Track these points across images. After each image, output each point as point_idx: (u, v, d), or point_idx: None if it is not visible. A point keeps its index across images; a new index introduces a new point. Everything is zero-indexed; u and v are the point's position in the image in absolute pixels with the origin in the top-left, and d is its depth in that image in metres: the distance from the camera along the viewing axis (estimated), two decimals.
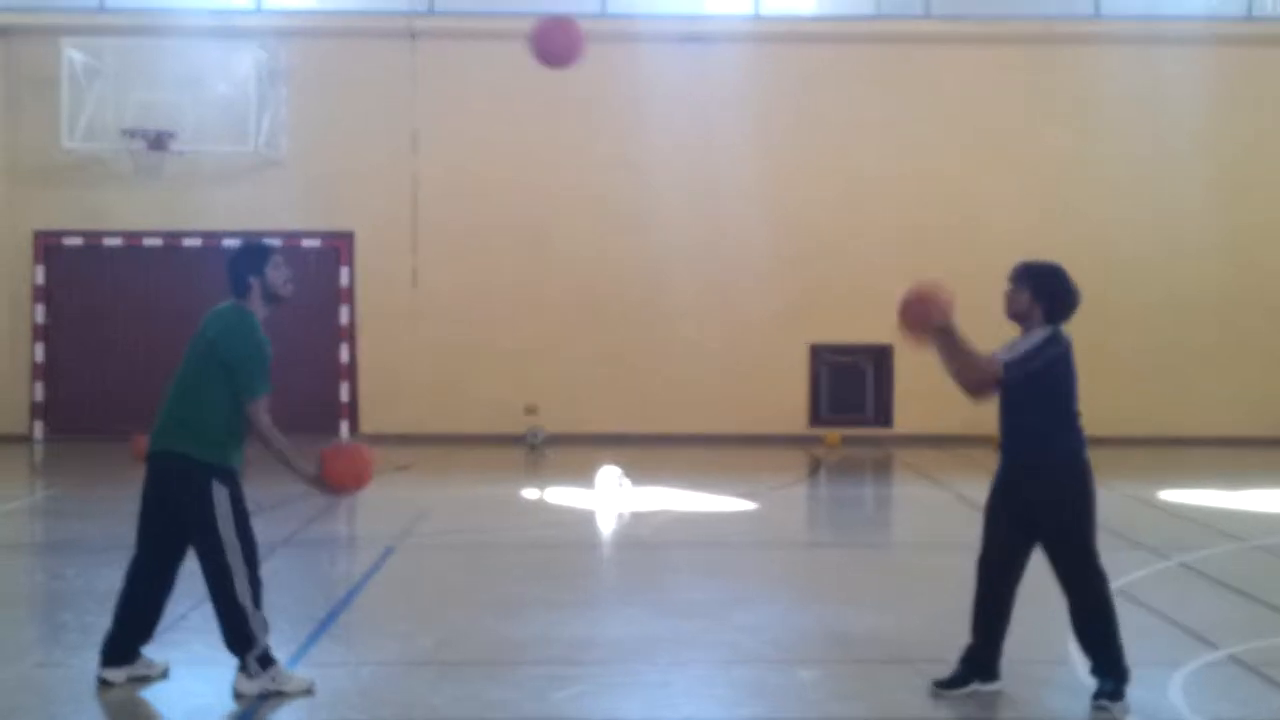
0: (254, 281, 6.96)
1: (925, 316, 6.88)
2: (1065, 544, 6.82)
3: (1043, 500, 6.78)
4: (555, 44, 7.23)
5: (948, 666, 7.06)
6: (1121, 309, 20.54)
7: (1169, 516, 13.36)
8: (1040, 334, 6.84)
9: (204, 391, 6.83)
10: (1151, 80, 20.83)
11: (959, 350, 6.77)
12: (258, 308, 6.97)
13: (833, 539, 13.13)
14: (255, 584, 6.86)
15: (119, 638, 7.10)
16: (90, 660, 7.50)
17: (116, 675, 7.06)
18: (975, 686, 6.94)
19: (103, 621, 8.40)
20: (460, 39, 20.80)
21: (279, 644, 7.86)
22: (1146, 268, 20.68)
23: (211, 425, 6.80)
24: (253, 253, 7.09)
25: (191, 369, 6.94)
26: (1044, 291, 6.88)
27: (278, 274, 6.98)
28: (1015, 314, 6.96)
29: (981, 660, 6.97)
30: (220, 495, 6.78)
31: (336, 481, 6.95)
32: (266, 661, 6.83)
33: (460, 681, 7.19)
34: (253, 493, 14.06)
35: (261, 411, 6.78)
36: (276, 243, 7.24)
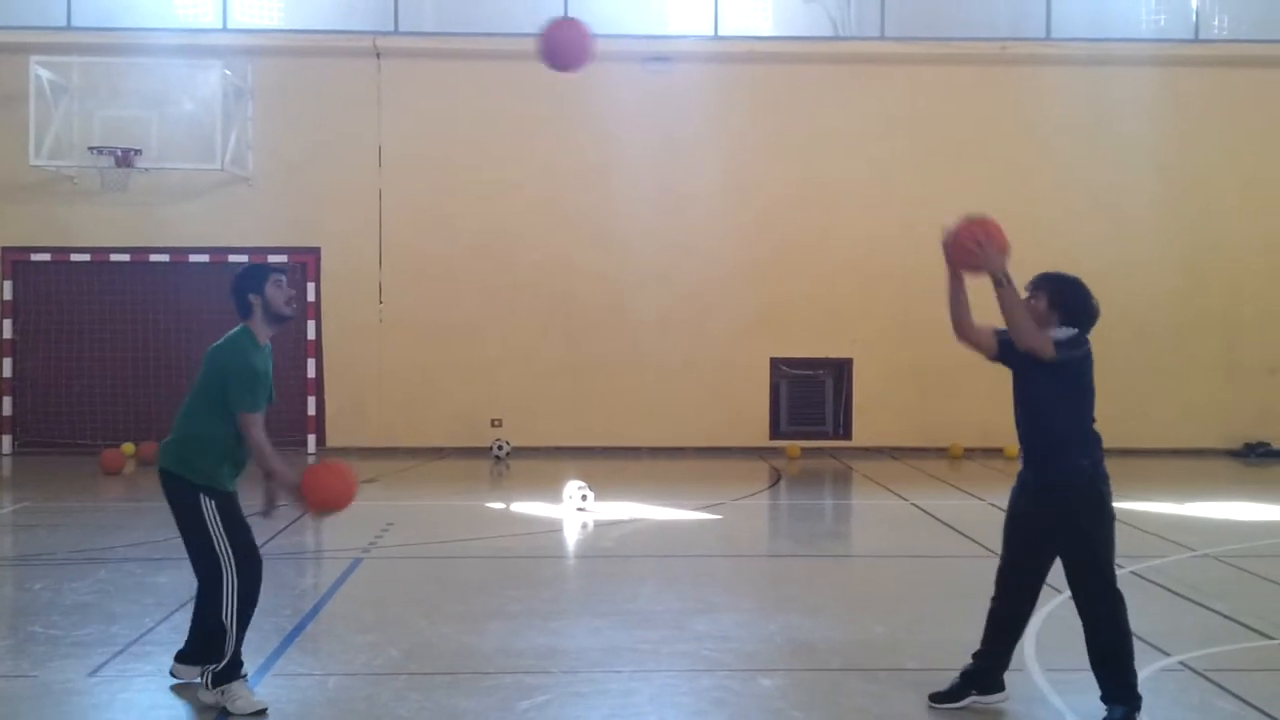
0: (255, 300, 7.05)
1: (973, 259, 6.66)
2: (1086, 565, 6.72)
3: (1061, 516, 6.69)
4: (565, 46, 7.18)
5: (907, 675, 7.18)
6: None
7: (1122, 526, 13.39)
8: (1070, 330, 6.71)
9: (198, 414, 6.97)
10: (1102, 101, 21.13)
11: (1017, 300, 6.61)
12: (260, 328, 7.08)
13: (794, 549, 13.23)
14: (247, 604, 6.93)
15: (193, 639, 7.32)
16: (58, 671, 7.60)
17: (187, 673, 7.30)
18: (973, 699, 6.94)
19: (72, 634, 8.53)
20: (425, 58, 20.91)
21: (245, 655, 7.96)
22: (1098, 285, 20.29)
23: (203, 450, 6.94)
24: (252, 272, 7.18)
25: (194, 390, 7.10)
26: (1061, 299, 6.76)
27: (278, 292, 7.07)
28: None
29: (984, 671, 6.95)
30: (209, 507, 6.91)
31: (317, 501, 7.00)
32: (221, 679, 6.88)
33: (426, 691, 7.26)
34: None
35: (251, 424, 6.87)
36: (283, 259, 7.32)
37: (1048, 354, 6.59)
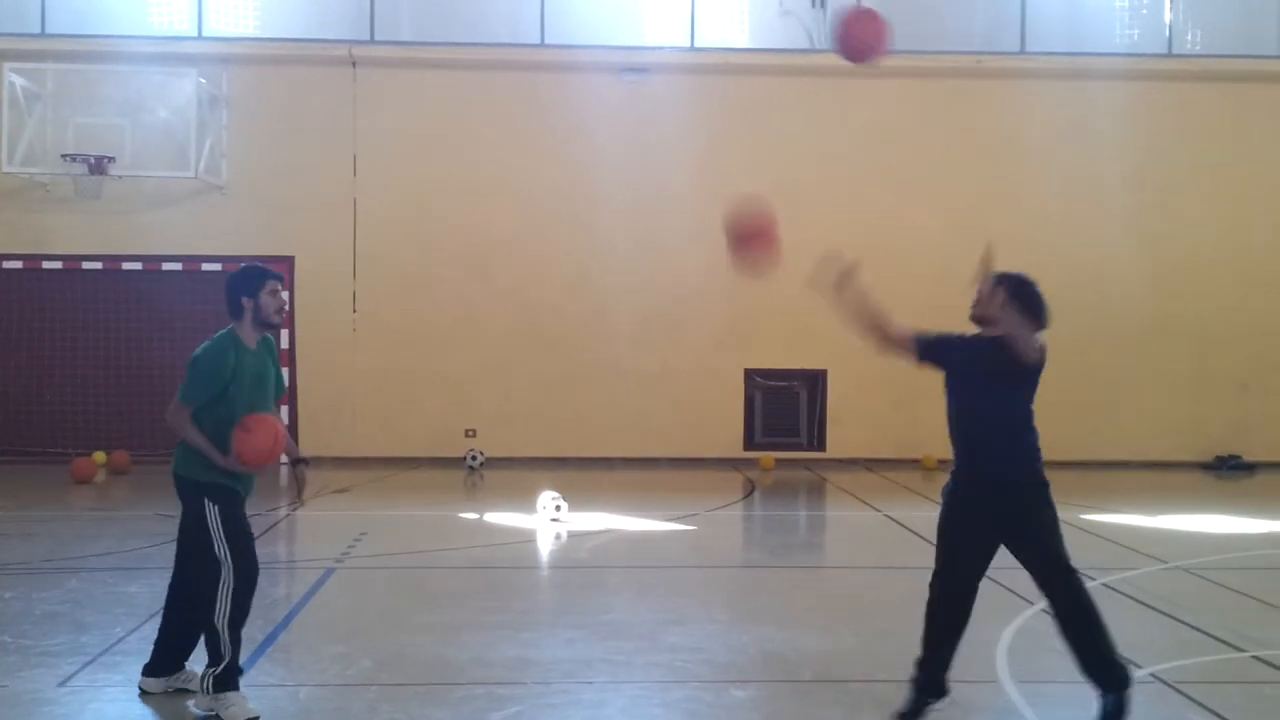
0: (247, 303, 7.06)
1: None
2: (1043, 555, 6.76)
3: (1017, 514, 6.75)
4: (861, 36, 7.04)
5: (879, 687, 7.19)
6: (1049, 337, 20.85)
7: (1092, 538, 13.58)
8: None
9: (196, 414, 6.98)
10: (1076, 114, 21.25)
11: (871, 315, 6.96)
12: (247, 332, 7.07)
13: (767, 561, 13.25)
14: (240, 609, 6.95)
15: (158, 651, 7.33)
16: (28, 681, 7.57)
17: (155, 685, 7.30)
18: (931, 706, 6.93)
19: (42, 643, 8.49)
20: (401, 67, 20.91)
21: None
22: (1072, 297, 20.81)
23: (201, 451, 6.98)
24: (249, 275, 7.16)
25: None
26: (1020, 295, 6.84)
27: (272, 300, 7.08)
28: (985, 315, 6.87)
29: (931, 676, 6.93)
30: (212, 510, 6.91)
31: (248, 459, 6.92)
32: (221, 684, 6.89)
33: (398, 702, 7.26)
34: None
35: (176, 411, 6.95)
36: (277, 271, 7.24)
37: (1033, 359, 6.71)
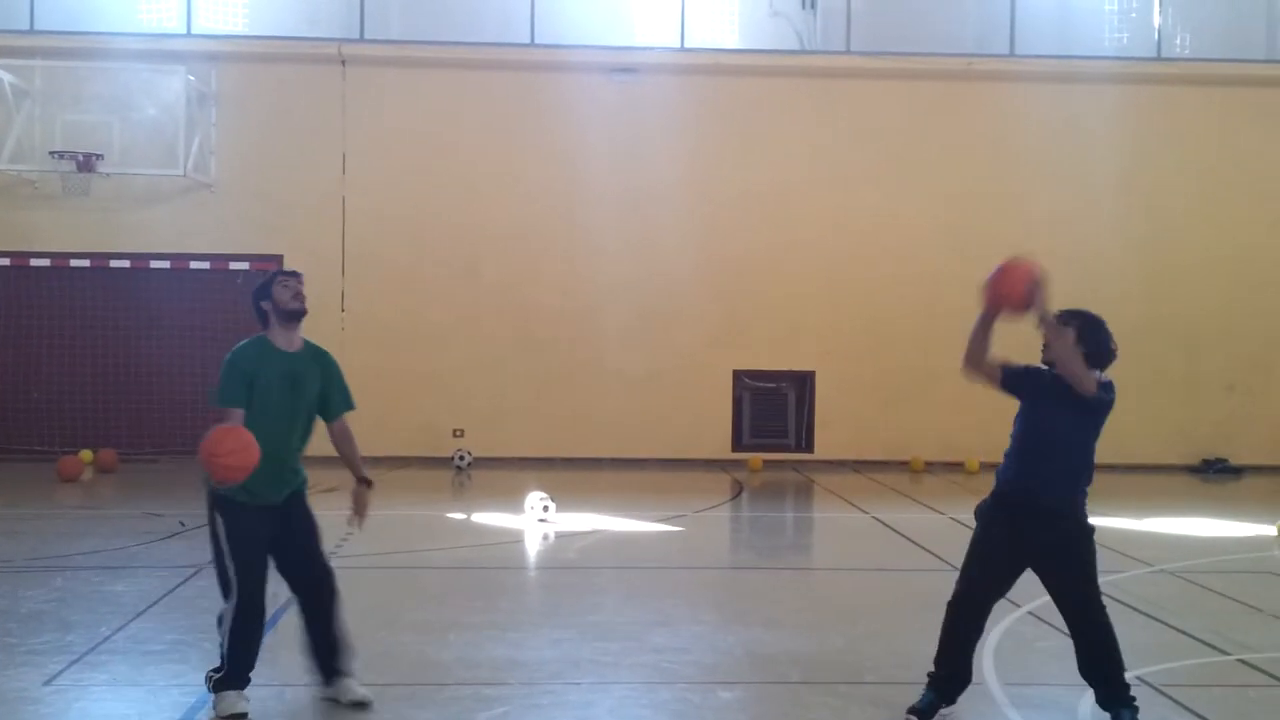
0: (266, 306, 7.02)
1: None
2: (1081, 585, 6.84)
3: (1062, 543, 6.81)
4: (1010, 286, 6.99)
5: (866, 688, 7.19)
6: (1036, 339, 20.89)
7: None
8: (1099, 374, 6.82)
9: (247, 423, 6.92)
10: (1066, 117, 21.30)
11: (1069, 337, 6.89)
12: (278, 333, 7.02)
13: (755, 562, 13.25)
14: (241, 628, 6.84)
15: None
16: (13, 680, 7.54)
17: (323, 693, 7.30)
18: (941, 712, 6.99)
19: (28, 642, 8.46)
20: (391, 66, 20.90)
21: (203, 665, 7.92)
22: (1063, 300, 20.95)
23: None
24: (261, 283, 7.13)
25: None
26: (1089, 335, 6.89)
27: (284, 290, 7.01)
28: (1052, 358, 6.93)
29: (953, 687, 6.99)
30: (219, 525, 6.88)
31: (221, 474, 6.74)
32: (219, 685, 6.88)
33: (385, 703, 7.23)
34: (180, 513, 14.00)
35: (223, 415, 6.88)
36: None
37: (1090, 391, 6.72)
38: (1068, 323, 6.94)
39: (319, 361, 7.17)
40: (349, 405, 7.34)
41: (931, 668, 7.07)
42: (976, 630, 6.98)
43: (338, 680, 7.22)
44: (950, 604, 7.03)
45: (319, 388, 7.12)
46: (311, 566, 7.21)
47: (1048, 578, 6.91)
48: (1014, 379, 7.07)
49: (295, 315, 7.02)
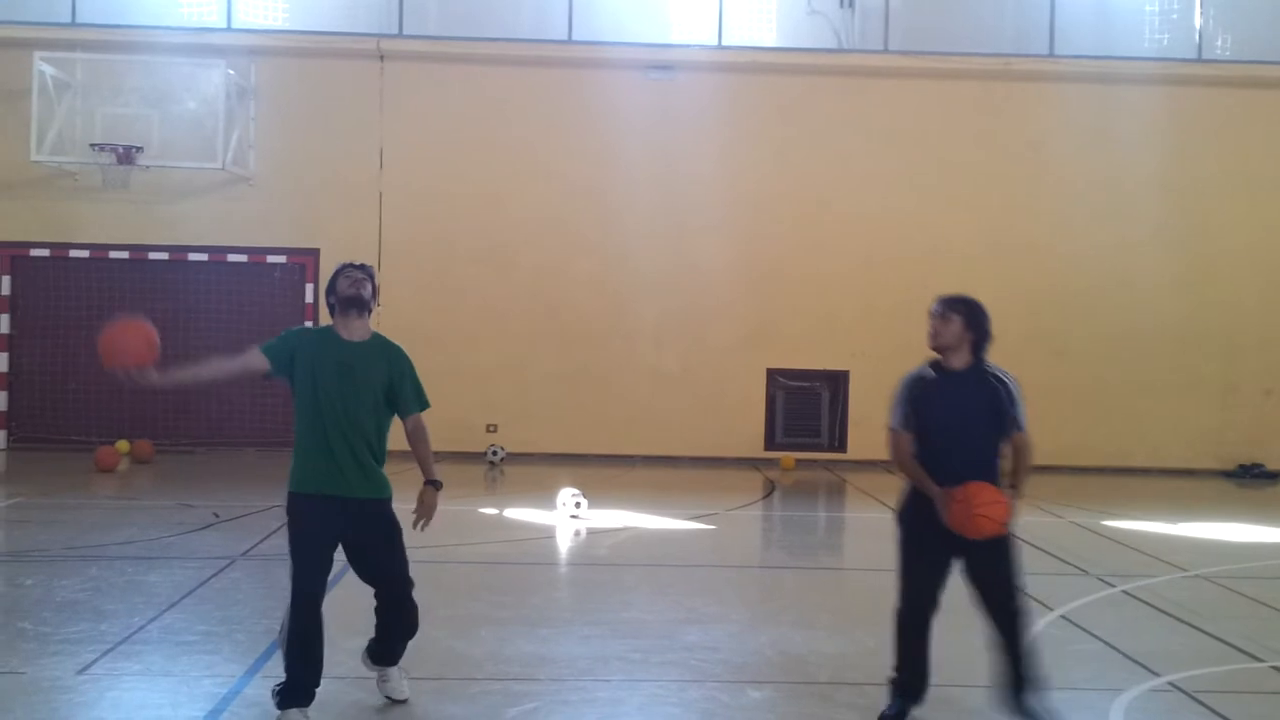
0: (332, 301, 7.08)
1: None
2: (1012, 575, 6.87)
3: (990, 546, 6.80)
4: None
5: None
6: (1074, 342, 20.88)
7: (1114, 545, 13.55)
8: (1013, 380, 6.90)
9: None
10: (1105, 118, 21.13)
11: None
12: (340, 322, 7.03)
13: (786, 561, 13.24)
14: (295, 630, 6.73)
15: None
16: (47, 668, 7.61)
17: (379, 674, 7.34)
18: (912, 715, 7.03)
19: (62, 631, 8.53)
20: (429, 61, 20.92)
21: (235, 656, 7.99)
22: (1099, 301, 20.96)
23: (294, 451, 6.96)
24: (328, 283, 7.18)
25: None
26: (974, 323, 6.91)
27: (344, 281, 7.05)
28: (945, 344, 6.92)
29: (919, 689, 7.03)
30: (288, 522, 6.93)
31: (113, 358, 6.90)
32: (282, 701, 6.75)
33: (415, 696, 7.26)
34: (215, 505, 14.10)
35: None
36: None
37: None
38: (954, 310, 6.93)
39: (386, 355, 7.12)
40: (422, 404, 7.27)
41: (892, 673, 7.08)
42: (929, 632, 6.97)
43: (386, 668, 7.24)
44: (898, 613, 7.03)
45: (385, 381, 7.04)
46: (385, 583, 7.16)
47: (979, 573, 6.88)
48: (920, 419, 6.96)
49: (350, 303, 7.01)
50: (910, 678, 7.02)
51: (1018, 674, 6.85)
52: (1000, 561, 6.84)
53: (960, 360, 6.93)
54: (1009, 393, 6.85)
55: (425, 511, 7.22)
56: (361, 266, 7.17)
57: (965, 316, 6.91)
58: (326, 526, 6.80)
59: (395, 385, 7.08)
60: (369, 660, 7.32)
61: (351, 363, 6.92)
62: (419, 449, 7.28)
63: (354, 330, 7.03)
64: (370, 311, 7.14)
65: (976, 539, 6.64)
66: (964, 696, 7.48)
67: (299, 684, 6.73)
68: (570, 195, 20.92)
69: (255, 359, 6.89)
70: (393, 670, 7.26)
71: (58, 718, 6.94)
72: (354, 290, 7.02)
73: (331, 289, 7.10)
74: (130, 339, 7.18)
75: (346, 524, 6.86)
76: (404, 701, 7.19)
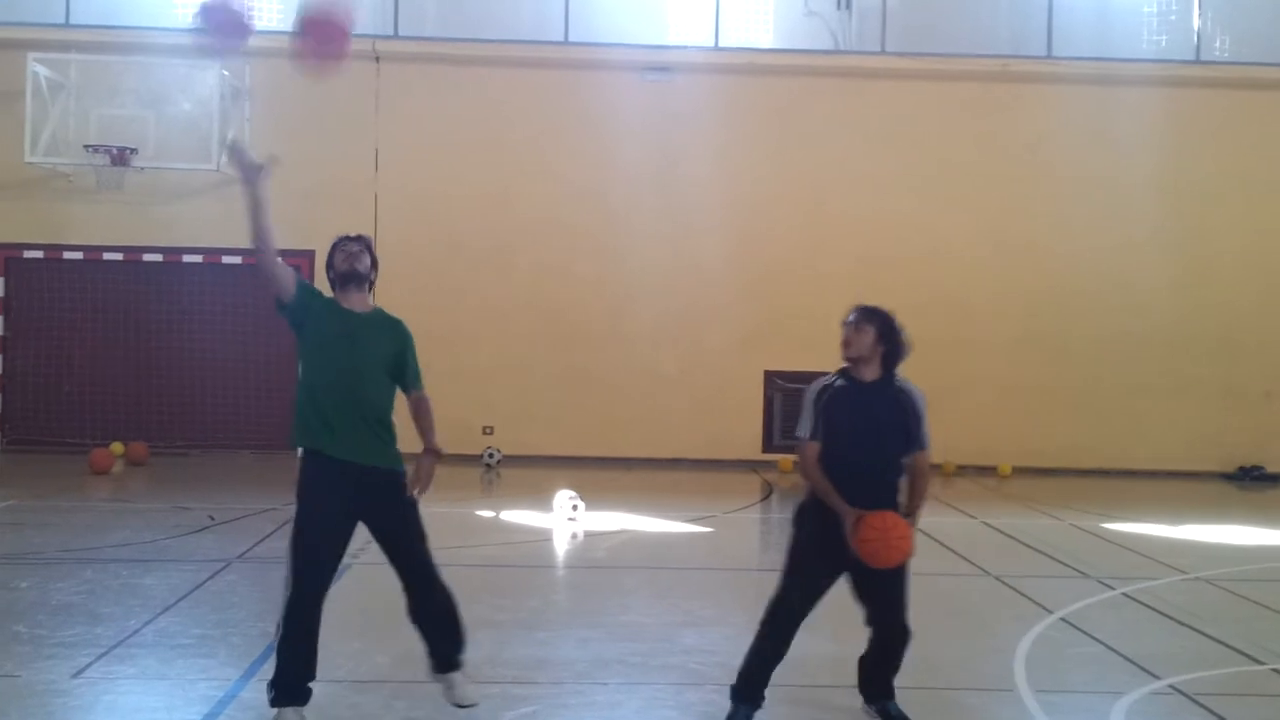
0: (331, 276, 7.05)
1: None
2: (903, 595, 6.90)
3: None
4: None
5: (896, 692, 7.14)
6: (1073, 343, 20.85)
7: (1114, 547, 13.52)
8: (921, 396, 6.94)
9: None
10: (1103, 120, 21.09)
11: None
12: (339, 294, 6.99)
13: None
14: (289, 619, 6.67)
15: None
16: (41, 672, 7.56)
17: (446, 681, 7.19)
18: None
19: (57, 634, 8.47)
20: (425, 63, 20.87)
21: (231, 659, 7.94)
22: (1098, 303, 20.92)
23: (298, 405, 6.88)
24: (327, 258, 7.13)
25: None
26: (888, 335, 6.89)
27: (339, 256, 7.01)
28: (857, 355, 6.87)
29: (758, 694, 6.99)
30: (300, 468, 6.82)
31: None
32: (276, 699, 6.70)
33: (412, 700, 7.24)
34: (210, 507, 14.05)
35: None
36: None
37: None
38: (869, 320, 6.90)
39: (392, 329, 7.11)
40: (418, 385, 7.25)
41: (736, 681, 7.02)
42: (790, 640, 6.95)
43: (447, 673, 7.12)
44: (771, 611, 6.98)
45: (392, 350, 7.03)
46: (415, 566, 7.11)
47: (872, 589, 6.88)
48: (828, 428, 6.90)
49: (347, 277, 6.97)
50: (761, 683, 6.97)
51: (889, 684, 7.00)
52: (896, 580, 6.83)
53: (871, 372, 6.89)
54: (915, 408, 6.85)
55: (424, 478, 7.09)
56: (358, 238, 7.13)
57: (879, 328, 6.87)
58: (338, 494, 6.72)
59: (400, 358, 7.08)
60: (431, 671, 7.14)
61: (353, 334, 6.88)
62: (422, 421, 7.23)
63: (354, 303, 6.99)
64: (371, 284, 7.09)
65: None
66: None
67: (290, 681, 6.69)
68: (567, 197, 20.87)
69: (288, 277, 6.88)
70: (455, 676, 7.11)
71: None
72: (349, 265, 6.99)
73: (330, 264, 7.05)
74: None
75: (366, 498, 6.80)
76: (472, 706, 7.05)
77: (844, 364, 6.93)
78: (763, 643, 6.95)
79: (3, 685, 7.39)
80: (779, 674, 8.05)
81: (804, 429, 6.90)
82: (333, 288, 7.04)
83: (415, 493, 7.02)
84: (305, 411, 6.78)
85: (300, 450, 6.83)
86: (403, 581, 7.05)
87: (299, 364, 6.92)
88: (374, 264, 7.12)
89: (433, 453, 7.15)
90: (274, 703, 6.67)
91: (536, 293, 20.88)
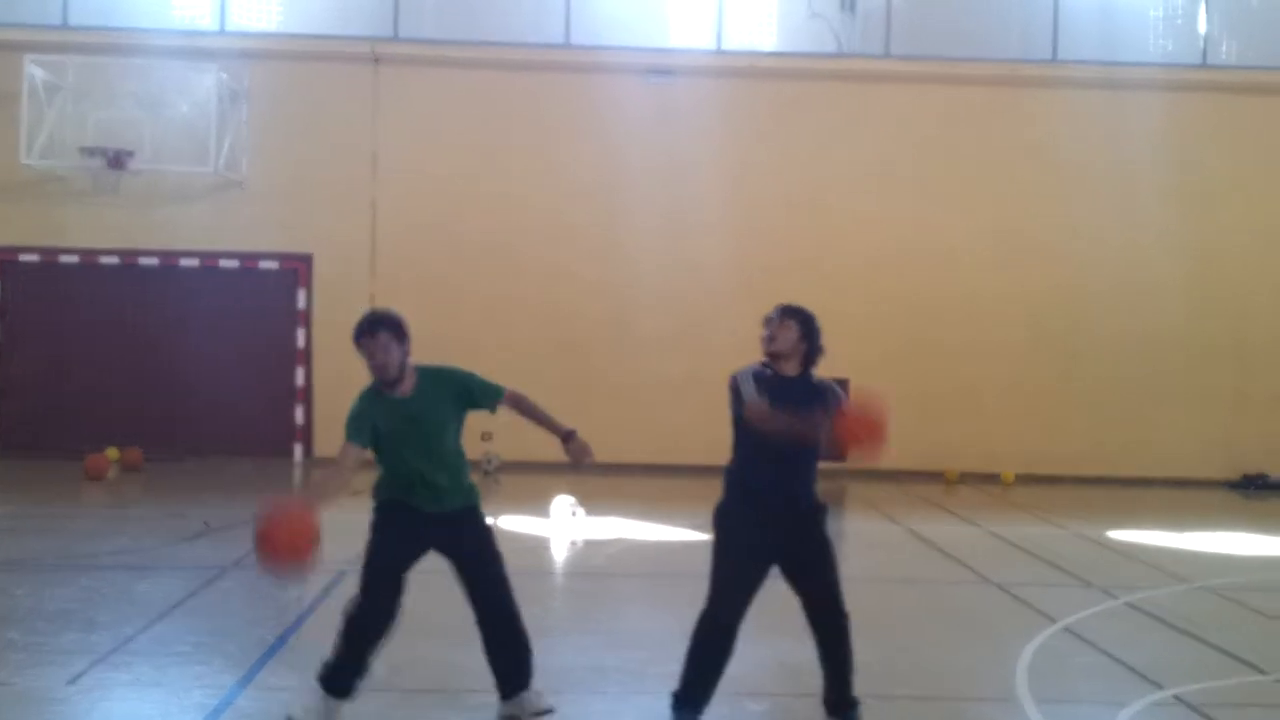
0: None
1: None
2: (835, 578, 7.01)
3: (820, 542, 7.01)
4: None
5: (897, 702, 7.12)
6: (1082, 349, 20.78)
7: (1118, 556, 13.46)
8: (837, 388, 7.09)
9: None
10: (1110, 124, 21.02)
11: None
12: (383, 387, 7.04)
13: None
14: (349, 633, 6.84)
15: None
16: (37, 679, 7.51)
17: (502, 709, 7.20)
18: None
19: (52, 641, 8.41)
20: (424, 65, 20.81)
21: (226, 667, 7.87)
22: (1106, 308, 20.83)
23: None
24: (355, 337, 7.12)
25: None
26: (810, 333, 7.04)
27: (366, 357, 7.01)
28: (780, 351, 7.01)
29: (704, 701, 6.96)
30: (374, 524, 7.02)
31: (271, 552, 6.33)
32: (323, 680, 6.80)
33: (411, 709, 7.21)
34: (206, 514, 13.98)
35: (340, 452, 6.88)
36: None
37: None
38: (791, 317, 7.07)
39: (439, 386, 7.09)
40: (499, 394, 7.32)
41: (679, 688, 6.98)
42: (732, 645, 6.91)
43: (515, 695, 7.10)
44: (703, 621, 6.96)
45: (450, 401, 7.07)
46: (487, 589, 7.27)
47: (803, 576, 6.96)
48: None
49: (387, 383, 6.97)
50: (703, 692, 6.93)
51: (848, 690, 6.98)
52: (824, 564, 6.94)
53: (791, 369, 7.03)
54: (835, 392, 7.06)
55: (581, 455, 7.48)
56: (372, 336, 7.00)
57: (801, 325, 7.02)
58: (419, 540, 7.06)
59: (462, 398, 7.14)
60: (503, 707, 7.12)
61: (413, 417, 6.92)
62: (534, 416, 7.46)
63: (399, 390, 6.99)
64: (405, 369, 7.01)
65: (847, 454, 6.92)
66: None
67: (344, 674, 6.80)
68: (569, 201, 20.80)
69: (354, 454, 6.84)
70: (525, 694, 7.12)
71: None
72: (381, 375, 6.96)
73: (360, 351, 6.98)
74: (289, 537, 6.38)
75: (445, 534, 7.05)
76: (548, 711, 7.07)
77: (764, 359, 7.09)
78: (700, 650, 6.92)
79: None
80: (775, 683, 8.00)
81: (749, 393, 6.99)
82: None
83: (587, 463, 7.39)
84: (390, 484, 7.01)
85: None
86: (476, 613, 7.23)
87: (378, 457, 7.03)
88: (404, 337, 7.08)
89: (568, 434, 7.50)
90: (323, 683, 6.79)
91: (535, 296, 20.81)
